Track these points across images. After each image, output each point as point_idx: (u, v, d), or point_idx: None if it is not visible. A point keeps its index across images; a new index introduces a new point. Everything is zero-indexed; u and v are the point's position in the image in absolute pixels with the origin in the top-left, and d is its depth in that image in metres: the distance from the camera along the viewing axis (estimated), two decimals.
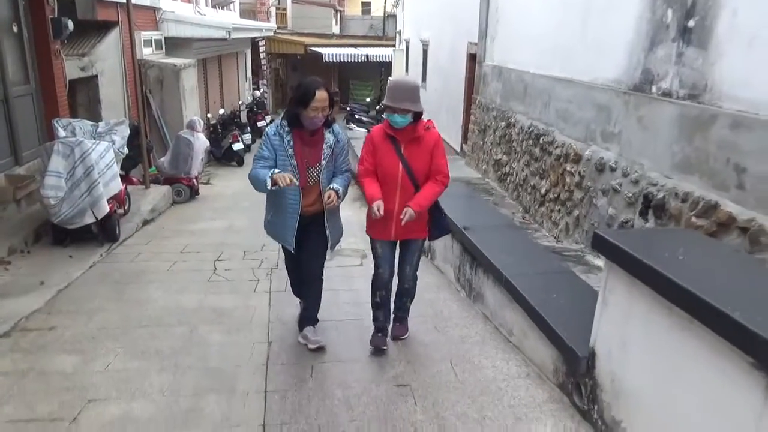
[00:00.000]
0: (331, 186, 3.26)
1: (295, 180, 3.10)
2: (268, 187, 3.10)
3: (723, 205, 3.54)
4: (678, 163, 4.07)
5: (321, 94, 3.10)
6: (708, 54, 3.85)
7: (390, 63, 23.04)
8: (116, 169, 5.97)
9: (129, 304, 4.31)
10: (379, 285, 3.44)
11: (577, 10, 5.90)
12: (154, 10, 11.18)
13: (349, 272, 5.00)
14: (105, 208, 5.54)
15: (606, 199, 4.99)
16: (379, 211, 3.09)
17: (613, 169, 4.91)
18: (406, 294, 3.60)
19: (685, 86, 4.09)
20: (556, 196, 6.13)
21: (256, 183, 3.22)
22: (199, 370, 3.28)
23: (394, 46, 23.15)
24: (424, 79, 16.28)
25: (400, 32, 22.01)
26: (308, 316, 3.60)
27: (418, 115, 3.21)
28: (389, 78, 3.46)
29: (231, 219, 7.26)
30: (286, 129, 3.23)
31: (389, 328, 3.61)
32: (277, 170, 3.13)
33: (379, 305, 3.49)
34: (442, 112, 13.80)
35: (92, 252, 5.52)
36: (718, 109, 3.70)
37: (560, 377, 2.94)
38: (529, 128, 7.17)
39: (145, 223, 7.05)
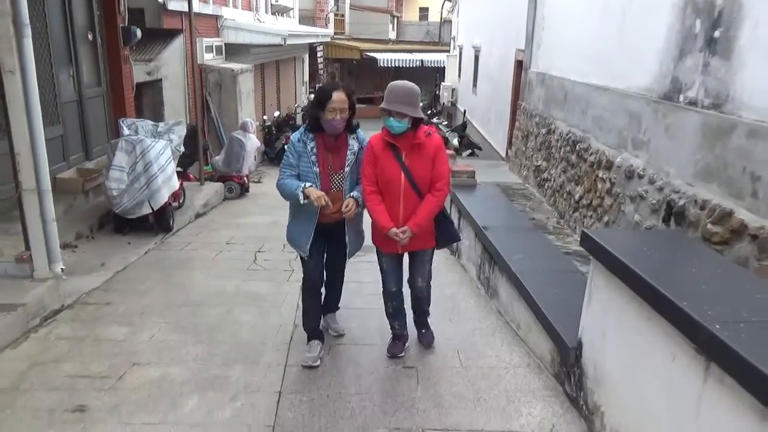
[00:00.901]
0: (351, 194, 3.18)
1: (329, 202, 3.07)
2: (302, 202, 3.06)
3: (737, 212, 3.60)
4: (699, 171, 4.13)
5: (338, 95, 3.05)
6: (731, 64, 3.91)
7: (444, 68, 23.29)
8: (173, 167, 6.44)
9: (175, 287, 4.75)
10: (389, 297, 3.41)
11: (615, 20, 5.98)
12: (216, 18, 11.79)
13: (377, 267, 5.26)
14: (161, 201, 6.04)
15: (633, 206, 5.06)
16: (403, 235, 3.09)
17: (640, 177, 4.97)
18: (422, 302, 3.56)
19: (709, 96, 4.15)
20: (588, 202, 6.20)
21: (286, 194, 3.18)
22: (230, 344, 3.64)
23: (448, 51, 23.36)
24: (475, 84, 16.42)
25: (454, 38, 22.19)
26: (330, 303, 3.84)
27: (417, 122, 3.10)
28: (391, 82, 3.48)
29: (275, 215, 7.65)
30: (310, 135, 3.18)
31: (407, 335, 3.56)
32: (309, 184, 3.09)
33: (393, 314, 3.45)
34: (491, 117, 13.90)
35: (148, 240, 6.02)
36: (738, 118, 3.75)
37: (555, 367, 3.11)
38: (567, 135, 7.25)
39: (198, 216, 7.55)
